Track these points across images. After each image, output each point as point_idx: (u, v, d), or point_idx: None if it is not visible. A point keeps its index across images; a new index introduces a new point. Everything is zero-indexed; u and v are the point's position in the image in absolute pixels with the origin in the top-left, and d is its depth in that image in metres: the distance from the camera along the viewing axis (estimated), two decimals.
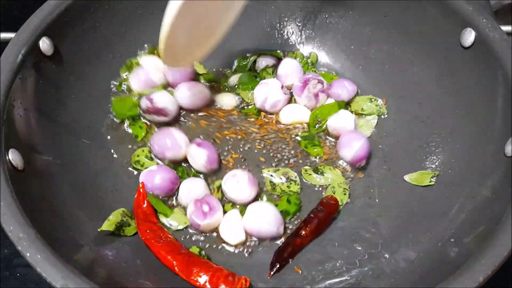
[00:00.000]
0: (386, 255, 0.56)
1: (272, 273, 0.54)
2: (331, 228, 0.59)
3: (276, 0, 0.72)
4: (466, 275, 0.43)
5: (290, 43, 0.74)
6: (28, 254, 0.42)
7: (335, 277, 0.55)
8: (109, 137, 0.64)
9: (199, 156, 0.60)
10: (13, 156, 0.49)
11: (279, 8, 0.73)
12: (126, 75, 0.67)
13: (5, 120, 0.50)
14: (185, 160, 0.62)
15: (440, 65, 0.63)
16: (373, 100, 0.68)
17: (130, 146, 0.64)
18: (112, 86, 0.67)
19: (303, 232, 0.56)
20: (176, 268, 0.52)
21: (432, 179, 0.60)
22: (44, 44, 0.56)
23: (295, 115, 0.67)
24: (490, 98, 0.57)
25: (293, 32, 0.74)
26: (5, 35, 0.74)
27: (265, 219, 0.56)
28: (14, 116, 0.52)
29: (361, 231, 0.59)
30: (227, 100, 0.69)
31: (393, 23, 0.67)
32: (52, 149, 0.56)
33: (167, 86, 0.68)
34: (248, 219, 0.57)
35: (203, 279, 0.51)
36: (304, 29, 0.74)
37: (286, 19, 0.74)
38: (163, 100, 0.63)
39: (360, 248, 0.57)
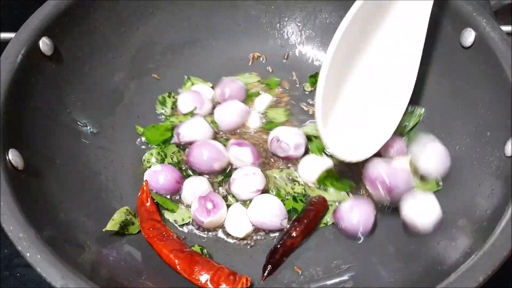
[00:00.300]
0: (387, 255, 0.56)
1: (265, 275, 0.54)
2: (331, 228, 0.59)
3: (276, 0, 0.72)
4: (466, 275, 0.43)
5: (290, 43, 0.74)
6: (28, 254, 0.42)
7: (335, 277, 0.55)
8: (109, 137, 0.64)
9: (245, 154, 0.61)
10: (13, 156, 0.49)
11: (279, 8, 0.73)
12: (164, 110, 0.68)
13: (5, 120, 0.50)
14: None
15: (440, 65, 0.63)
16: (410, 111, 0.64)
17: (130, 146, 0.64)
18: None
19: (294, 233, 0.56)
20: (178, 266, 0.52)
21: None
22: (44, 44, 0.56)
23: (318, 168, 0.61)
24: (490, 98, 0.57)
25: (293, 32, 0.74)
26: (5, 35, 0.74)
27: (270, 210, 0.57)
28: (14, 116, 0.52)
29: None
30: (252, 120, 0.67)
31: None
32: (52, 149, 0.56)
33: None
34: (253, 210, 0.57)
35: (204, 277, 0.51)
36: (304, 29, 0.74)
37: (286, 19, 0.74)
38: (190, 133, 0.63)
39: (360, 248, 0.57)
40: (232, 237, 0.58)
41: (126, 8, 0.65)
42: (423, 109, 0.64)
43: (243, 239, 0.58)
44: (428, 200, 0.55)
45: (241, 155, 0.61)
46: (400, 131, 0.63)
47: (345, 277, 0.55)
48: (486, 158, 0.55)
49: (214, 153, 0.61)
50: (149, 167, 0.62)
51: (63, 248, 0.47)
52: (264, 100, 0.69)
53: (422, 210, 0.54)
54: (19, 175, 0.49)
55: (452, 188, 0.58)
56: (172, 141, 0.64)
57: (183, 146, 0.64)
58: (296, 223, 0.57)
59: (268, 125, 0.66)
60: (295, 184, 0.61)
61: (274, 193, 0.61)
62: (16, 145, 0.50)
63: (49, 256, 0.43)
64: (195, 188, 0.59)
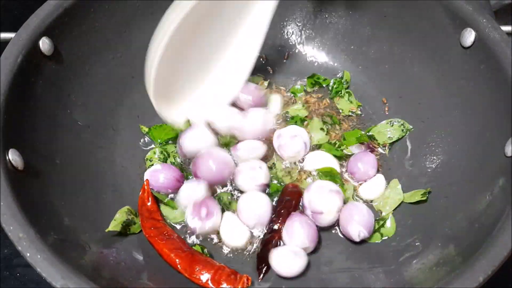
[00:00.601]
0: (386, 255, 0.56)
1: (262, 276, 0.54)
2: (331, 230, 0.59)
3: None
4: (466, 275, 0.43)
5: (290, 43, 0.74)
6: (28, 254, 0.43)
7: (334, 277, 0.55)
8: (109, 137, 0.64)
9: (252, 142, 0.61)
10: (13, 156, 0.49)
11: (279, 8, 0.73)
12: None
13: (5, 120, 0.50)
14: None
15: (440, 65, 0.63)
16: (392, 123, 0.66)
17: (130, 146, 0.64)
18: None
19: (276, 226, 0.56)
20: (179, 266, 0.53)
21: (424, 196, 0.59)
22: (44, 44, 0.56)
23: (321, 162, 0.63)
24: (490, 98, 0.57)
25: (293, 32, 0.74)
26: (5, 35, 0.74)
27: (256, 210, 0.57)
28: (14, 116, 0.52)
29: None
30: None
31: (393, 23, 0.67)
32: (52, 149, 0.56)
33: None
34: (241, 206, 0.58)
35: (205, 277, 0.51)
36: (304, 29, 0.74)
37: (286, 19, 0.74)
38: (193, 144, 0.61)
39: (358, 248, 0.57)
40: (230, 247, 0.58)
41: (126, 8, 0.65)
42: (411, 127, 0.65)
43: (242, 249, 0.57)
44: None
45: (248, 145, 0.61)
46: (383, 142, 0.65)
47: (344, 276, 0.55)
48: (486, 158, 0.55)
49: (221, 163, 0.59)
50: (152, 165, 0.62)
51: (63, 248, 0.47)
52: (276, 101, 0.69)
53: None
54: (19, 175, 0.49)
55: (452, 188, 0.58)
56: (177, 152, 0.63)
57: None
58: (276, 216, 0.57)
59: (293, 121, 0.67)
60: (287, 175, 0.62)
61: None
62: (16, 145, 0.50)
63: (49, 256, 0.43)
64: (190, 193, 0.58)
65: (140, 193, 0.59)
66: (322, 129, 0.65)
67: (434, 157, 0.62)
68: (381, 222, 0.58)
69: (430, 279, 0.48)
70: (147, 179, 0.59)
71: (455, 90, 0.62)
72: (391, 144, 0.65)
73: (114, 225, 0.55)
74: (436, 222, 0.56)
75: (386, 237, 0.58)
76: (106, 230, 0.55)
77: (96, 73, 0.64)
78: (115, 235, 0.56)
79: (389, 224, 0.58)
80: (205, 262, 0.53)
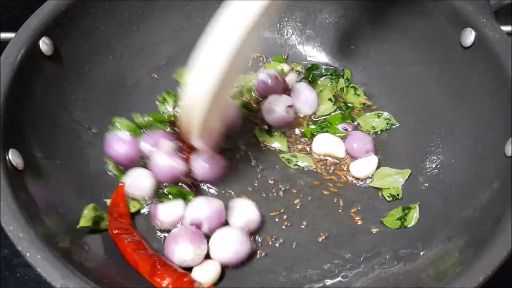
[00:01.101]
0: (386, 256, 0.56)
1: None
2: (330, 231, 0.59)
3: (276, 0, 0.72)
4: (466, 275, 0.43)
5: (290, 43, 0.74)
6: (28, 254, 0.42)
7: (333, 277, 0.55)
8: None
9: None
10: (13, 156, 0.49)
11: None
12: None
13: (5, 120, 0.50)
14: None
15: (440, 65, 0.63)
16: (380, 114, 0.67)
17: None
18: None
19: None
20: (140, 267, 0.52)
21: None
22: (44, 44, 0.56)
23: (328, 146, 0.65)
24: (490, 98, 0.57)
25: (293, 32, 0.74)
26: (5, 35, 0.74)
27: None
28: (14, 116, 0.52)
29: (360, 232, 0.59)
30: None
31: (393, 23, 0.67)
32: (52, 149, 0.56)
33: None
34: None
35: (166, 281, 0.50)
36: (304, 29, 0.74)
37: (286, 19, 0.74)
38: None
39: (359, 248, 0.57)
40: None
41: (126, 8, 0.65)
42: (397, 123, 0.66)
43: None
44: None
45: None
46: (366, 130, 0.67)
47: (343, 277, 0.55)
48: (486, 158, 0.55)
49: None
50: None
51: (63, 248, 0.47)
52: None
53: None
54: (19, 175, 0.49)
55: (452, 188, 0.58)
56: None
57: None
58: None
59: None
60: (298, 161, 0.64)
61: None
62: (16, 145, 0.50)
63: (49, 256, 0.42)
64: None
65: (114, 194, 0.58)
66: (330, 99, 0.68)
67: (434, 157, 0.62)
68: (406, 211, 0.59)
69: (431, 279, 0.48)
70: (122, 183, 0.58)
71: (455, 90, 0.62)
72: (375, 134, 0.66)
73: (85, 221, 0.54)
74: (436, 222, 0.56)
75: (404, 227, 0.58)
76: (77, 226, 0.53)
77: (96, 73, 0.64)
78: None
79: (414, 215, 0.58)
80: (168, 267, 0.52)
